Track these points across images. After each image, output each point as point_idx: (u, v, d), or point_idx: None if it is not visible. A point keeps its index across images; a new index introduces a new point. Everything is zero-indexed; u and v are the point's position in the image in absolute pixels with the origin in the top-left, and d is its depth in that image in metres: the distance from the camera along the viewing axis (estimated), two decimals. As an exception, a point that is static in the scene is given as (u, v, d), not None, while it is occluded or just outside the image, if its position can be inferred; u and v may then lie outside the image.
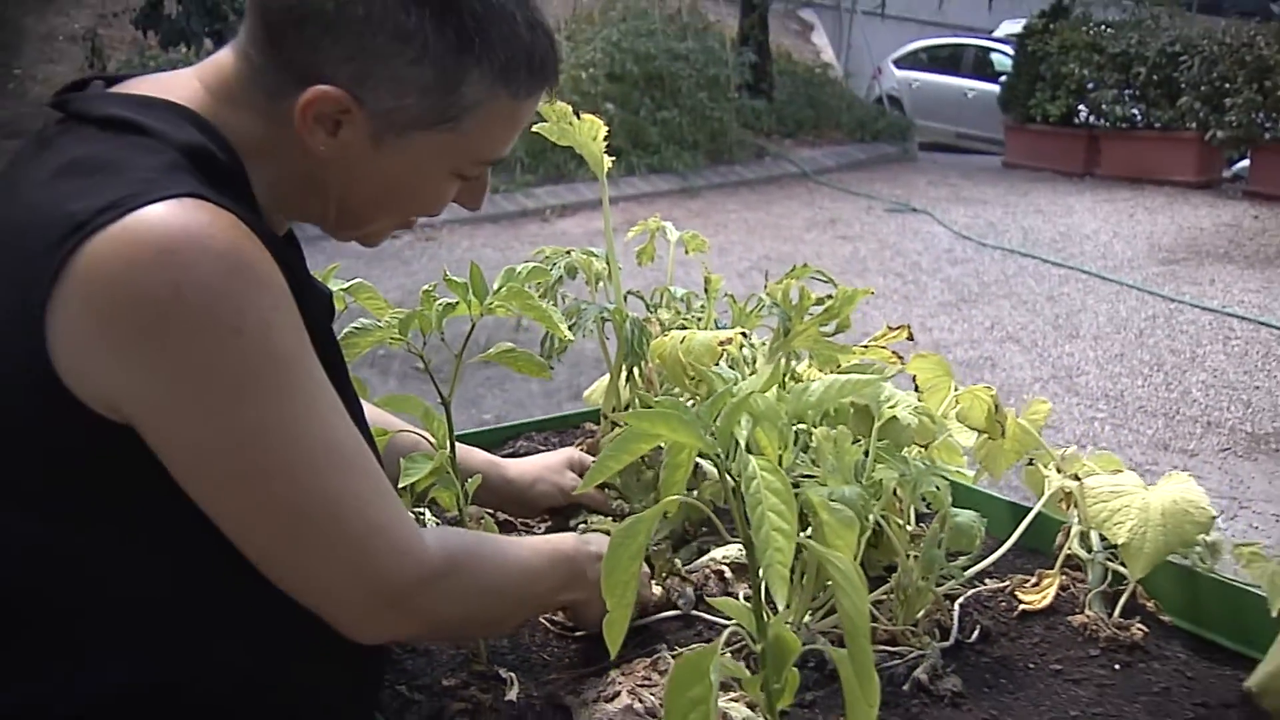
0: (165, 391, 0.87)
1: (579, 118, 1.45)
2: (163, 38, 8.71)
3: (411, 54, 0.95)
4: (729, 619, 0.85)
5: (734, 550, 1.39)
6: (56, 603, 0.94)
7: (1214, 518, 1.26)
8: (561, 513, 1.48)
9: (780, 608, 0.73)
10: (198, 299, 0.85)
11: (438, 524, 1.35)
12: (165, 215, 0.86)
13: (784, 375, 1.34)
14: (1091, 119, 11.98)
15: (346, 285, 1.36)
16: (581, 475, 1.46)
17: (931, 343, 6.42)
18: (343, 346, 1.12)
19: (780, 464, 0.83)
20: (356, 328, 1.15)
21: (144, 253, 0.85)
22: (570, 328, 1.41)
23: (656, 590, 1.29)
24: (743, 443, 0.79)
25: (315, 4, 0.94)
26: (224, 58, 1.01)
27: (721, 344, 1.13)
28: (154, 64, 9.12)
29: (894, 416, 1.16)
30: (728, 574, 1.35)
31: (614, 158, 1.50)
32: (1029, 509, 1.41)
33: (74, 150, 0.93)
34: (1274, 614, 1.08)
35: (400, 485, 1.14)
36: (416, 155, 1.01)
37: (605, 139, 1.45)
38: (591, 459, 1.49)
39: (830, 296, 1.43)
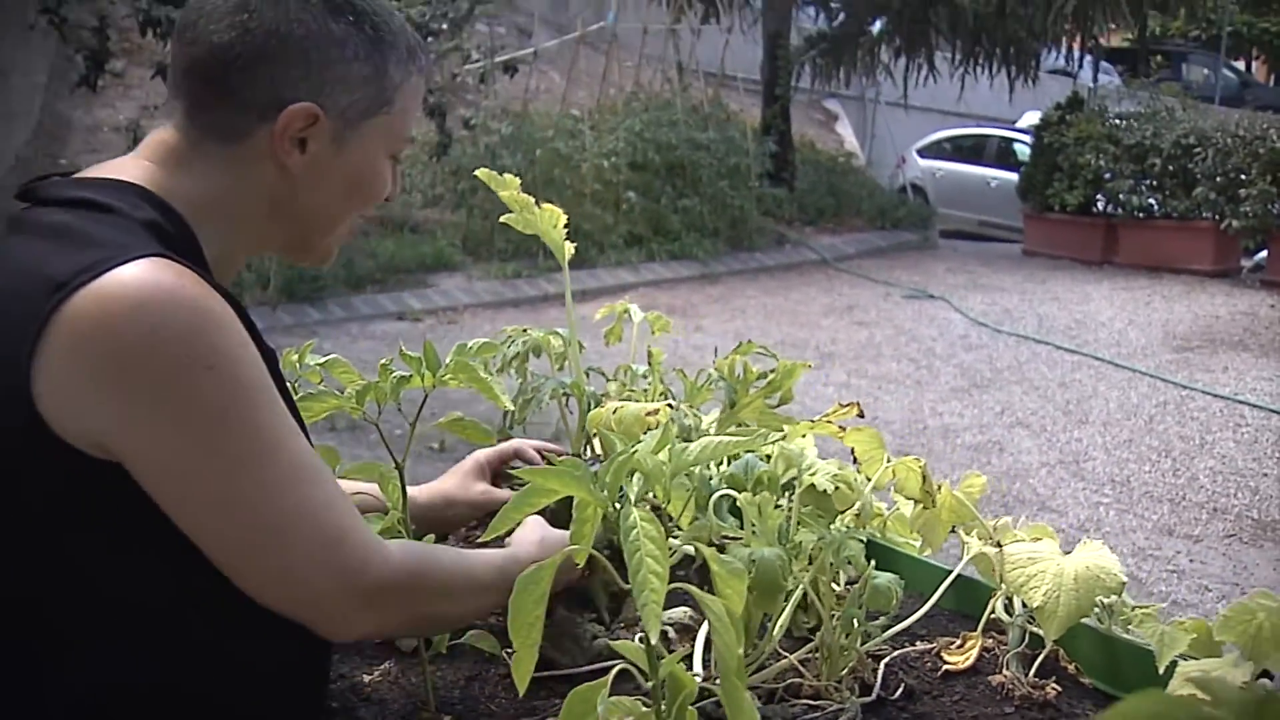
0: (150, 427, 0.98)
1: (539, 207, 1.58)
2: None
3: (349, 54, 1.13)
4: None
5: (679, 612, 1.47)
6: (49, 607, 1.04)
7: (1124, 583, 1.33)
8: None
9: (652, 640, 0.82)
10: (172, 342, 0.97)
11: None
12: (138, 272, 0.98)
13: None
14: (1109, 208, 12.11)
15: (323, 360, 1.47)
16: (493, 480, 1.51)
17: (941, 427, 6.48)
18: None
19: (661, 515, 0.92)
20: (310, 394, 1.25)
21: (122, 305, 0.97)
22: (529, 401, 1.52)
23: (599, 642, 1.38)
24: (632, 496, 0.89)
25: (256, 45, 1.10)
26: (163, 134, 1.14)
27: (649, 414, 1.23)
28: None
29: (811, 484, 1.25)
30: (672, 634, 1.43)
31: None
32: (965, 576, 1.48)
33: (47, 226, 1.05)
34: (1160, 670, 1.15)
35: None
36: (367, 144, 1.17)
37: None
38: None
39: (773, 371, 1.54)
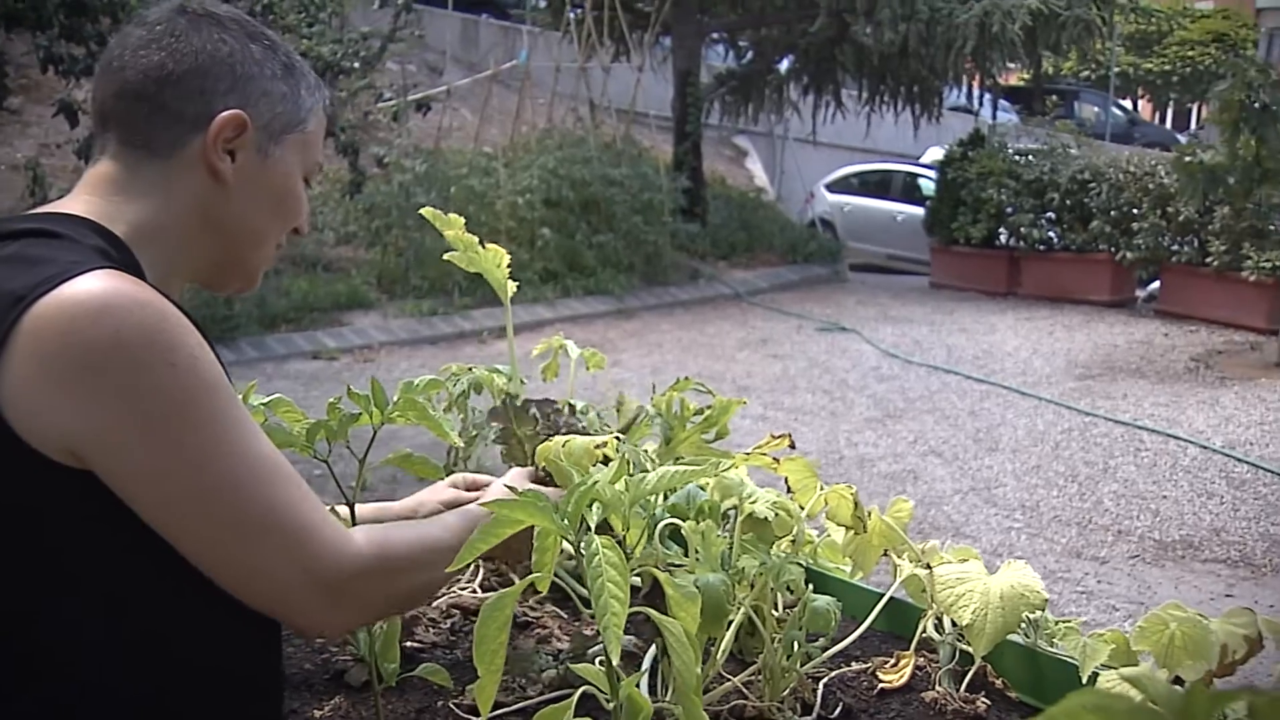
0: (117, 427, 1.00)
1: (484, 247, 1.62)
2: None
3: (268, 71, 1.21)
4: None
5: (624, 640, 1.51)
6: (26, 611, 1.04)
7: (1046, 600, 1.41)
8: None
9: (614, 662, 0.86)
10: (135, 342, 1.00)
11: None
12: (95, 281, 1.02)
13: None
14: (1011, 241, 12.49)
15: (266, 400, 1.48)
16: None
17: (856, 457, 6.61)
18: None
19: (625, 543, 0.97)
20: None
21: (83, 309, 1.00)
22: (475, 437, 1.55)
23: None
24: (592, 525, 0.93)
25: (185, 62, 1.16)
26: (98, 169, 1.18)
27: (598, 448, 1.27)
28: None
29: (752, 512, 1.30)
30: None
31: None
32: (895, 598, 1.55)
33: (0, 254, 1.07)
34: (1084, 681, 1.22)
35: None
36: (288, 159, 1.24)
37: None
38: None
39: (710, 407, 1.59)
